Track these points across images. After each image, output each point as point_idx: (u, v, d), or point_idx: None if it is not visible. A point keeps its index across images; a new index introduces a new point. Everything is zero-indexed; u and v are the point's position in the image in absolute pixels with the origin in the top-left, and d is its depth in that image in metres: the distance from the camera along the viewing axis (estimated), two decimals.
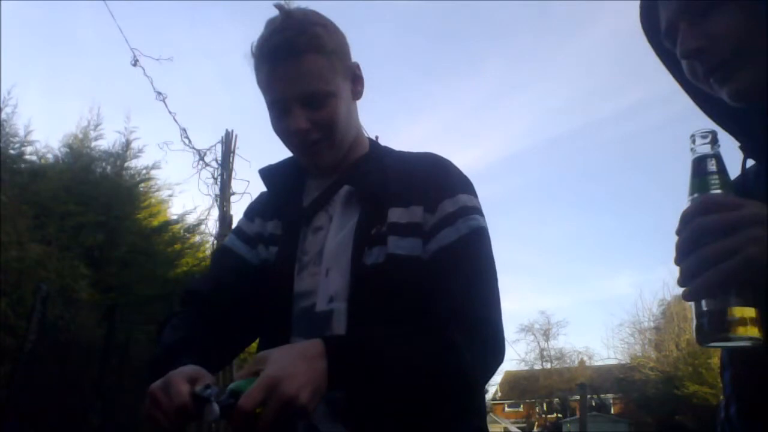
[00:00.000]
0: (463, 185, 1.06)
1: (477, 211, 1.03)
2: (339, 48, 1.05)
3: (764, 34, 0.72)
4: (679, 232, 0.59)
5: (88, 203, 7.27)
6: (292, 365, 0.81)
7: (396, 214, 1.01)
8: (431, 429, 0.93)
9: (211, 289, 1.10)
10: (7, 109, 7.28)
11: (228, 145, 6.79)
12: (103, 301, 6.57)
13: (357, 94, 1.12)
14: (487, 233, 1.03)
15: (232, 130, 6.86)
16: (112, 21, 9.68)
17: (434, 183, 1.04)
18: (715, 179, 0.62)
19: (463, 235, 0.99)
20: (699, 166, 0.63)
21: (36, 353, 4.08)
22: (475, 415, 1.02)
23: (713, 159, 0.63)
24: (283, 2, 1.03)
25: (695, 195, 0.62)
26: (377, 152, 1.16)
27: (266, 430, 0.78)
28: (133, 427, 6.11)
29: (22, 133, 7.46)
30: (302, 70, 1.00)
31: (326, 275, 1.00)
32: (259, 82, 1.06)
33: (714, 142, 0.64)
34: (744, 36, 0.72)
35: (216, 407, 0.80)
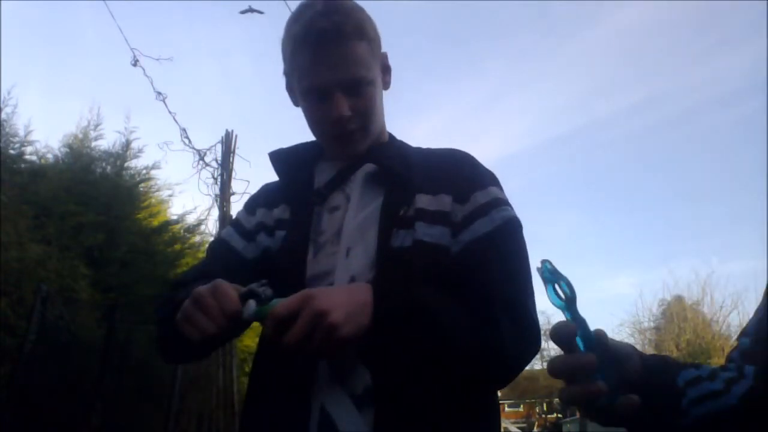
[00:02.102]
0: (493, 178, 1.06)
1: (508, 203, 1.03)
2: (377, 36, 1.05)
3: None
4: None
5: (88, 203, 7.26)
6: (332, 291, 0.81)
7: (423, 201, 0.99)
8: (453, 399, 0.89)
9: (196, 279, 1.05)
10: (7, 109, 7.27)
11: (228, 145, 6.80)
12: (103, 301, 6.56)
13: (386, 84, 1.11)
14: (521, 224, 1.02)
15: (232, 130, 6.88)
16: (112, 21, 9.69)
17: (464, 174, 1.04)
18: None
19: (499, 226, 0.98)
20: None
21: (36, 353, 4.08)
22: (495, 409, 0.99)
23: None
24: None
25: None
26: (399, 142, 1.15)
27: (294, 340, 0.77)
28: (133, 427, 6.11)
29: (22, 133, 7.45)
30: (348, 56, 0.98)
31: (347, 255, 0.97)
32: (294, 67, 1.03)
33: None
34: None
35: (253, 304, 0.80)
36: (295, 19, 1.01)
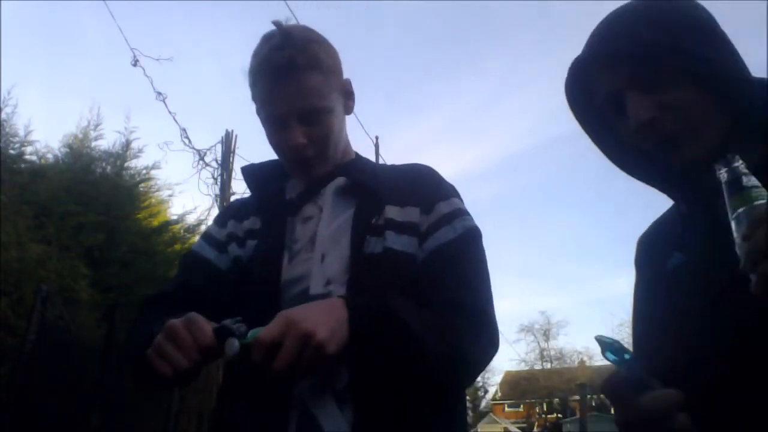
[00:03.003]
0: (454, 190, 1.13)
1: (469, 213, 1.11)
2: (334, 65, 1.10)
3: (716, 108, 0.75)
4: (748, 237, 0.59)
5: (88, 203, 7.26)
6: (310, 310, 0.84)
7: (393, 212, 1.05)
8: (423, 395, 0.95)
9: (174, 290, 1.10)
10: (7, 109, 7.27)
11: (228, 145, 6.80)
12: (103, 301, 6.56)
13: (349, 108, 1.16)
14: (481, 233, 1.09)
15: (232, 130, 6.89)
16: (112, 21, 9.70)
17: (428, 186, 1.11)
18: (756, 192, 0.63)
19: (461, 234, 1.05)
20: (734, 185, 0.64)
21: (36, 353, 4.07)
22: (461, 403, 1.06)
23: (745, 177, 0.64)
24: (281, 20, 1.06)
25: (742, 209, 0.62)
26: (365, 159, 1.22)
27: (285, 364, 0.80)
28: (133, 427, 6.11)
29: (22, 133, 7.45)
30: (302, 87, 1.03)
31: (321, 260, 1.02)
32: (256, 97, 1.09)
33: (735, 163, 0.66)
34: (696, 110, 0.74)
35: (236, 342, 0.82)
36: (255, 52, 1.07)
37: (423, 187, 1.10)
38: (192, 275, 1.11)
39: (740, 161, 0.65)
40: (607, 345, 0.72)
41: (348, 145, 1.20)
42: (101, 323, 6.04)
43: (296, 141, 1.05)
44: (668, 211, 0.92)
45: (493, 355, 0.99)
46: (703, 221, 0.78)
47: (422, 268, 1.01)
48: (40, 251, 5.55)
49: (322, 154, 1.09)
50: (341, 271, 1.00)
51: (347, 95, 1.15)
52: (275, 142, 1.09)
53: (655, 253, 0.89)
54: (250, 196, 1.20)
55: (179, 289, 1.11)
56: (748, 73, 0.79)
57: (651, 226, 0.96)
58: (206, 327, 0.83)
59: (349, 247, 1.01)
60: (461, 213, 1.08)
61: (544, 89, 53.97)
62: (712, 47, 0.76)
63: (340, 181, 1.11)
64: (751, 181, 0.63)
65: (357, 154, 1.21)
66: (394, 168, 1.20)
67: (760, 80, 0.77)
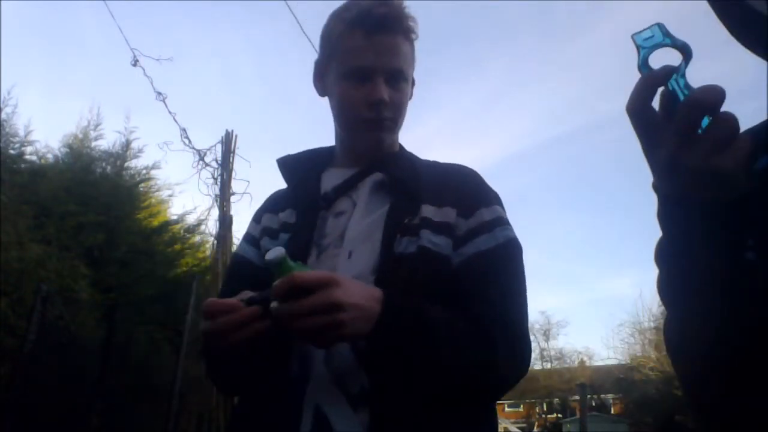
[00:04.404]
0: (497, 198, 1.09)
1: (510, 224, 1.06)
2: (414, 46, 1.10)
3: None
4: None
5: (88, 203, 7.26)
6: (353, 286, 0.82)
7: (429, 211, 1.02)
8: (448, 405, 0.91)
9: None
10: (7, 109, 7.27)
11: (228, 145, 6.78)
12: (103, 301, 6.57)
13: (410, 94, 1.13)
14: (521, 247, 1.05)
15: (232, 130, 6.85)
16: (112, 21, 9.69)
17: (470, 190, 1.07)
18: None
19: (502, 243, 1.01)
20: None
21: (36, 353, 4.07)
22: (491, 415, 1.01)
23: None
24: None
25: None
26: (408, 153, 1.18)
27: (298, 312, 0.77)
28: (133, 427, 6.11)
29: (22, 133, 7.45)
30: (398, 46, 1.04)
31: (348, 257, 0.99)
32: (340, 50, 1.06)
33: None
34: None
35: (282, 249, 0.82)
36: (349, 7, 1.06)
37: (465, 189, 1.06)
38: (237, 282, 1.06)
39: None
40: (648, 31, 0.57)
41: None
42: (101, 323, 6.05)
43: (382, 95, 1.03)
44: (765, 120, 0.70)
45: (524, 372, 0.95)
46: None
47: (458, 273, 0.97)
48: (40, 251, 5.55)
49: (394, 120, 1.08)
50: (368, 270, 0.96)
51: (413, 81, 1.13)
52: (351, 97, 1.05)
53: None
54: (286, 187, 1.17)
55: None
56: None
57: (742, 132, 0.75)
58: (226, 299, 0.86)
59: (380, 245, 0.98)
60: (503, 222, 1.04)
61: (544, 89, 54.03)
62: None
63: (377, 176, 1.08)
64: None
65: (401, 146, 1.17)
66: (436, 165, 1.15)
67: None
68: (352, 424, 0.87)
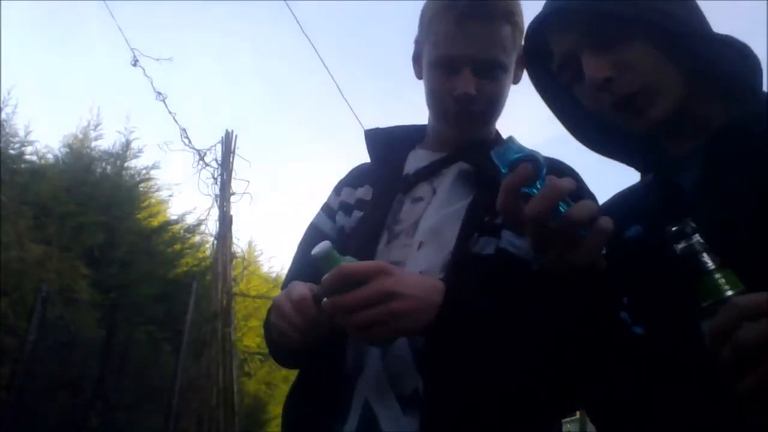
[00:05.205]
0: (594, 199, 0.96)
1: None
2: (522, 25, 0.99)
3: (674, 66, 0.72)
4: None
5: (88, 203, 7.27)
6: (407, 276, 0.77)
7: None
8: (503, 430, 0.82)
9: (295, 273, 1.02)
10: (7, 109, 7.28)
11: (228, 145, 6.78)
12: (103, 301, 6.57)
13: (518, 77, 1.05)
14: None
15: (232, 130, 6.85)
16: (112, 21, 9.68)
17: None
18: (722, 280, 0.54)
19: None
20: (695, 264, 0.56)
21: (36, 353, 4.08)
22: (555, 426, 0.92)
23: (705, 254, 0.56)
24: None
25: (711, 300, 0.54)
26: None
27: (349, 305, 0.73)
28: (133, 427, 6.11)
29: (22, 133, 7.47)
30: (490, 35, 0.94)
31: (418, 248, 0.92)
32: (431, 34, 0.98)
33: (692, 238, 0.57)
34: (654, 68, 0.72)
35: (327, 244, 0.78)
36: None
37: None
38: (308, 250, 0.99)
39: (696, 235, 0.56)
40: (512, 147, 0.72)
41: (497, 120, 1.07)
42: (101, 323, 6.04)
43: (467, 89, 0.94)
44: (635, 184, 0.86)
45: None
46: (665, 191, 0.74)
47: (537, 281, 0.84)
48: (40, 251, 5.55)
49: (485, 114, 0.99)
50: (438, 266, 0.88)
51: (520, 62, 1.01)
52: (438, 89, 0.98)
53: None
54: (369, 162, 1.10)
55: (299, 268, 1.03)
56: (709, 29, 0.75)
57: (613, 196, 0.88)
58: (306, 291, 0.82)
59: (455, 241, 0.89)
60: None
61: None
62: (668, 1, 0.73)
63: (463, 165, 0.99)
64: (710, 261, 0.55)
65: (498, 133, 1.07)
66: None
67: (720, 36, 0.73)
68: (399, 425, 0.81)
